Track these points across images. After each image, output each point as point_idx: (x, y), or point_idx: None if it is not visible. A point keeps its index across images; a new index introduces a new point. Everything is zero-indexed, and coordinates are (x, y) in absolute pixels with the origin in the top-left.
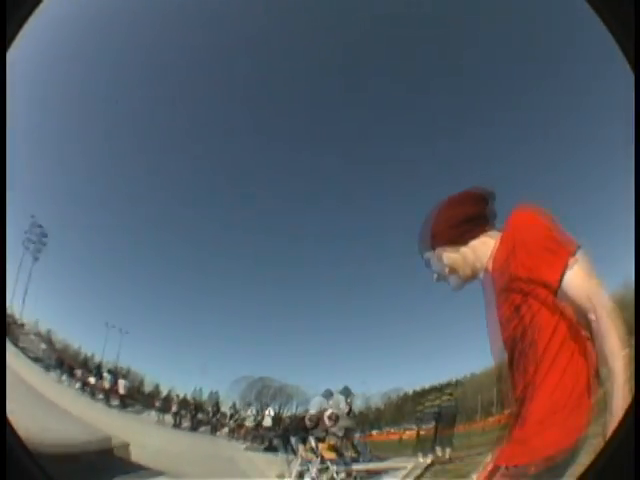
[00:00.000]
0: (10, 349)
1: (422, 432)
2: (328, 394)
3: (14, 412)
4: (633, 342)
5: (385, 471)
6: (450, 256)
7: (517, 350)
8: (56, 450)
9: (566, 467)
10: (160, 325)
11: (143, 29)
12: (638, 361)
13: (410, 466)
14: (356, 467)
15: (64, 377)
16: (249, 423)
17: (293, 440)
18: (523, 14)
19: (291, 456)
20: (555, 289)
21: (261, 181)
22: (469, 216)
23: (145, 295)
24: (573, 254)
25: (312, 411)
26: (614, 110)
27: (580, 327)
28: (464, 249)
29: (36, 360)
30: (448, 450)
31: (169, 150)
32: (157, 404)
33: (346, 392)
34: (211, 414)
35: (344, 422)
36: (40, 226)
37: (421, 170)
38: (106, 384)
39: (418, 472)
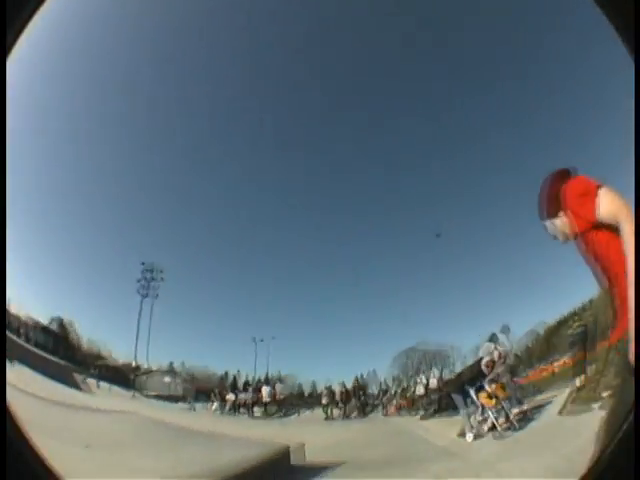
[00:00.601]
0: (125, 394)
1: (556, 367)
2: (495, 338)
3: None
4: None
5: (535, 409)
6: (549, 227)
7: (598, 273)
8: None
9: None
10: (292, 325)
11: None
12: (638, 362)
13: (554, 400)
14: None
15: (198, 404)
16: (399, 397)
17: (472, 391)
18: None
19: (471, 408)
20: (598, 224)
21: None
22: (556, 192)
23: (274, 296)
24: (596, 194)
25: (487, 357)
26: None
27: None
28: (556, 221)
29: (159, 397)
30: (582, 376)
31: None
32: (304, 402)
33: (494, 338)
34: (363, 397)
35: (499, 369)
36: (151, 270)
37: None
38: (248, 395)
39: (561, 404)
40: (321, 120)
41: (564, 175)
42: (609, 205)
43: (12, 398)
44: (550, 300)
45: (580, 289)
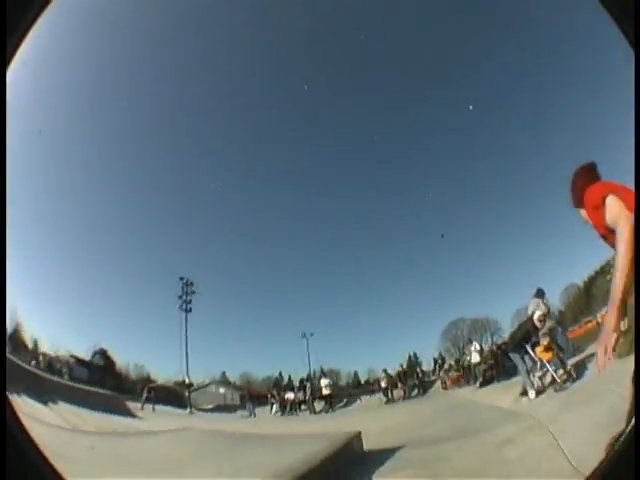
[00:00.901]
0: (182, 413)
1: (599, 318)
2: (541, 293)
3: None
4: None
5: (587, 358)
6: (581, 214)
7: None
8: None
9: None
10: (331, 318)
11: None
12: (638, 363)
13: None
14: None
15: (258, 408)
16: (455, 369)
17: (528, 347)
18: None
19: (529, 364)
20: (611, 229)
21: None
22: (580, 192)
23: (304, 291)
24: (604, 205)
25: (538, 312)
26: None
27: None
28: (584, 212)
29: (217, 409)
30: (626, 320)
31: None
32: (363, 389)
33: (540, 293)
34: (420, 374)
35: (548, 323)
36: (191, 283)
37: None
38: (307, 391)
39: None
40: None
41: (588, 175)
42: (611, 213)
43: (63, 440)
44: (584, 254)
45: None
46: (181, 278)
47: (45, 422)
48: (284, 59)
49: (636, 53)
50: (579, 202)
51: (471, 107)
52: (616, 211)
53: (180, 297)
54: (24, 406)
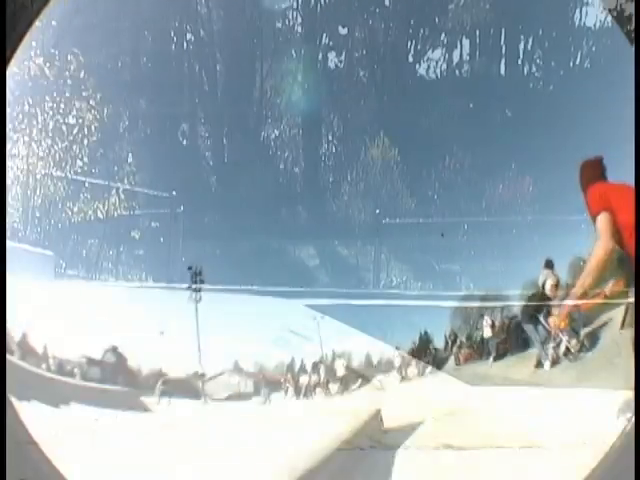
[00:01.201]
0: (196, 404)
1: (607, 290)
2: (551, 264)
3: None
4: None
5: (599, 328)
6: None
7: None
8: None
9: None
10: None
11: None
12: (638, 363)
13: (614, 317)
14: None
15: (272, 395)
16: (468, 345)
17: (541, 318)
18: None
19: (543, 335)
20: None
21: None
22: (590, 178)
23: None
24: (599, 213)
25: (549, 282)
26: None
27: None
28: None
29: (231, 398)
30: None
31: None
32: (376, 369)
33: (550, 264)
34: (432, 352)
35: (560, 293)
36: (200, 273)
37: None
38: (321, 374)
39: (621, 320)
40: None
41: (592, 171)
42: (598, 228)
43: (78, 442)
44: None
45: None
46: (189, 268)
47: (57, 425)
48: None
49: (636, 52)
50: (585, 195)
51: (471, 105)
52: (600, 230)
53: (189, 287)
54: (35, 411)
